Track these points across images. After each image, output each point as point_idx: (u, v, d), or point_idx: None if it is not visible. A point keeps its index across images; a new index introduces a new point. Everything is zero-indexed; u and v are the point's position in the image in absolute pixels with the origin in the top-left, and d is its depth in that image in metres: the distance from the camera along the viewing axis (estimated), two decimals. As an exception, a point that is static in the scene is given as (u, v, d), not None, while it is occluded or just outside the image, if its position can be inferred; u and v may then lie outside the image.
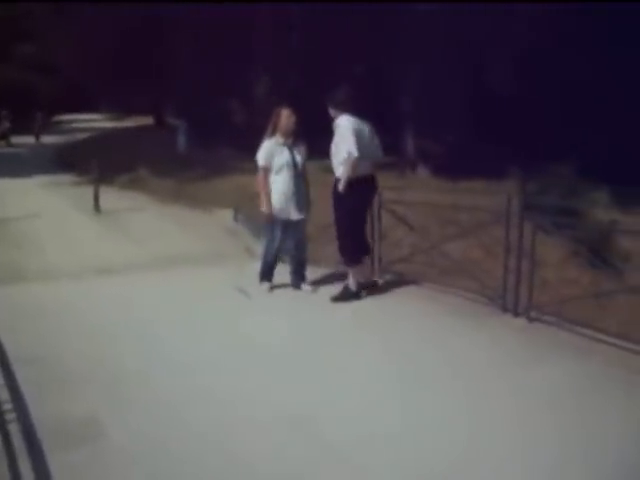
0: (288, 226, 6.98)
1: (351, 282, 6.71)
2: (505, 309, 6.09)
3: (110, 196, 14.05)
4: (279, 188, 6.86)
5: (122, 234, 10.92)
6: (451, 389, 4.66)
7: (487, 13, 15.97)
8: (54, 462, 3.68)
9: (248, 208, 11.45)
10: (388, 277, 7.36)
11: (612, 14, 15.55)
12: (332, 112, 6.55)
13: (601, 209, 12.39)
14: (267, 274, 7.22)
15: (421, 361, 5.17)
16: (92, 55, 29.28)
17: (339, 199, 6.51)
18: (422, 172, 16.76)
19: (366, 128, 6.54)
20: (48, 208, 13.30)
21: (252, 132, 21.37)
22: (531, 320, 5.85)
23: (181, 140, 21.81)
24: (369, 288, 6.88)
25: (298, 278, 7.23)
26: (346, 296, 6.67)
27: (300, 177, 6.95)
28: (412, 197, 8.15)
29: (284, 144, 6.88)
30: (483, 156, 14.04)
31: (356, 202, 6.56)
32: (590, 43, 16.23)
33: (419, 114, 17.35)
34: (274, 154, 6.85)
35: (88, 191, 13.57)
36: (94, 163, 13.84)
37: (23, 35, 35.93)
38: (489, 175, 13.39)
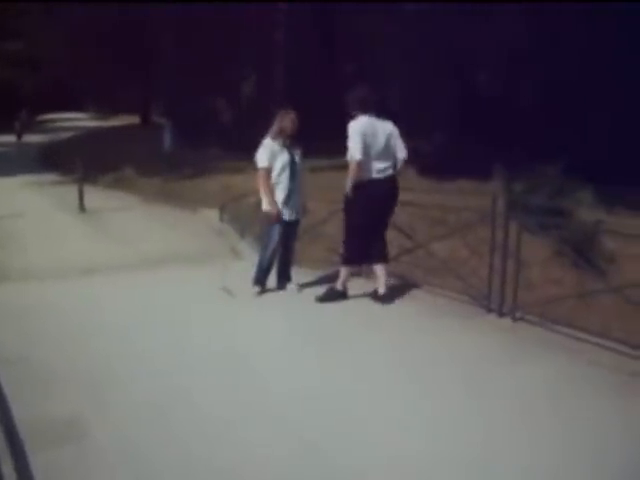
0: (286, 227, 6.95)
1: (339, 281, 6.64)
2: (490, 309, 6.10)
3: (95, 196, 13.98)
4: (280, 189, 6.85)
5: (107, 234, 10.86)
6: (434, 389, 4.66)
7: (475, 13, 16.02)
8: (36, 462, 3.65)
9: (234, 208, 11.44)
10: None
11: (600, 14, 15.65)
12: (351, 112, 6.37)
13: (586, 209, 12.46)
14: (263, 278, 7.14)
15: (404, 361, 5.17)
16: (78, 53, 29.18)
17: (347, 201, 6.44)
18: (409, 172, 16.76)
19: (383, 130, 6.35)
20: (32, 207, 13.21)
21: (238, 131, 21.40)
22: (516, 320, 5.87)
23: (167, 139, 21.74)
24: (372, 297, 6.67)
25: (284, 278, 7.22)
26: (331, 296, 6.61)
27: (298, 178, 6.95)
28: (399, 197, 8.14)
29: (284, 145, 6.85)
30: (470, 156, 14.07)
31: (365, 205, 6.33)
32: (578, 44, 16.31)
33: (405, 114, 17.38)
34: (276, 155, 6.82)
35: (72, 190, 13.48)
36: (79, 162, 13.75)
37: (7, 32, 35.63)
38: (476, 175, 13.43)
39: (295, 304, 6.73)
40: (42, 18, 29.08)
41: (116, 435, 4.03)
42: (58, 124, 42.39)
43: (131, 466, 3.69)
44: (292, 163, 6.87)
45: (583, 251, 11.63)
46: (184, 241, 10.27)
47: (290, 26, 20.81)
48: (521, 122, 16.52)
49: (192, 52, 23.15)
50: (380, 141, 6.27)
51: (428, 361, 5.17)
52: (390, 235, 7.39)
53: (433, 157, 16.36)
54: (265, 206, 6.89)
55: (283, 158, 6.82)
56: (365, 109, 6.28)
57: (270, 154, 6.80)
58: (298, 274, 7.42)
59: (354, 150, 6.09)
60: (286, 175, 6.83)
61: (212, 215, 12.04)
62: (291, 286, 7.16)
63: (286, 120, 6.82)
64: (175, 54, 23.60)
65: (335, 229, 8.07)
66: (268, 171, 6.81)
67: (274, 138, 6.86)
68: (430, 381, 4.79)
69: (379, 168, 6.31)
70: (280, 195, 6.86)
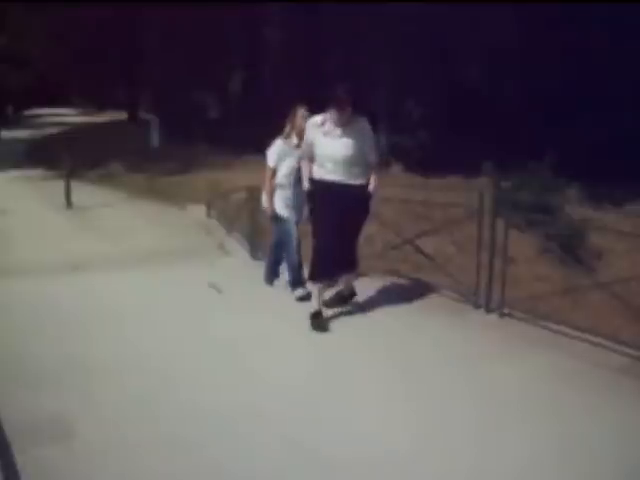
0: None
1: (313, 302, 5.92)
2: (478, 305, 6.10)
3: (81, 191, 13.91)
4: (284, 191, 6.61)
5: (94, 230, 10.82)
6: (422, 384, 4.65)
7: (464, 10, 16.06)
8: (23, 460, 3.61)
9: (221, 204, 11.41)
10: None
11: (586, 15, 15.73)
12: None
13: (573, 206, 12.51)
14: (299, 277, 6.69)
15: (391, 357, 5.15)
16: (66, 49, 29.05)
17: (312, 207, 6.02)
18: (395, 169, 16.79)
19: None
20: (18, 203, 13.13)
21: (226, 128, 21.34)
22: (503, 316, 5.87)
23: (154, 135, 21.66)
24: (348, 297, 6.30)
25: (273, 275, 7.13)
26: (313, 323, 5.77)
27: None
28: (385, 193, 8.13)
29: (296, 146, 6.42)
30: (458, 153, 14.11)
31: (324, 211, 5.73)
32: (566, 43, 16.38)
33: (393, 111, 17.40)
34: (283, 157, 6.53)
35: (59, 186, 13.41)
36: (65, 158, 13.69)
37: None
38: (463, 172, 13.47)
39: (282, 302, 6.62)
40: (26, 13, 28.86)
41: (103, 432, 3.99)
42: (45, 119, 42.14)
43: (118, 462, 3.66)
44: (299, 169, 6.33)
45: (571, 248, 11.72)
46: (171, 237, 10.24)
47: (279, 24, 20.83)
48: (510, 119, 16.59)
49: (179, 48, 23.08)
50: (337, 140, 5.56)
51: (416, 357, 5.16)
52: (374, 230, 7.36)
53: (421, 153, 16.41)
54: (264, 203, 6.79)
55: (290, 162, 6.51)
56: (332, 106, 5.56)
57: (277, 156, 6.56)
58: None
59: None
60: (292, 178, 6.51)
61: (199, 211, 12.02)
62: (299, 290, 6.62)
63: (297, 118, 6.46)
64: (162, 50, 23.53)
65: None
66: (273, 171, 6.59)
67: (286, 138, 6.58)
68: (417, 375, 4.78)
69: (332, 169, 5.64)
70: (284, 196, 6.61)
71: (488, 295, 6.02)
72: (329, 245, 5.68)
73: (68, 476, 3.59)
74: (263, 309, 6.36)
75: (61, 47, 29.44)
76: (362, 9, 17.06)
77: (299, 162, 6.28)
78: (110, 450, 3.80)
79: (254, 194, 8.90)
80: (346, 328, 5.80)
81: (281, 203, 6.67)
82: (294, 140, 6.50)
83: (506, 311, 5.89)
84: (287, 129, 6.60)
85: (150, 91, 30.76)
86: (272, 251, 7.12)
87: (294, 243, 6.66)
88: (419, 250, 7.27)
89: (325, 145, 5.60)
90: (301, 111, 6.48)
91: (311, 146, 5.73)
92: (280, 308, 6.36)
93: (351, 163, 5.62)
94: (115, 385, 4.68)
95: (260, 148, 7.41)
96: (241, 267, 8.45)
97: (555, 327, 5.52)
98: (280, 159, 6.56)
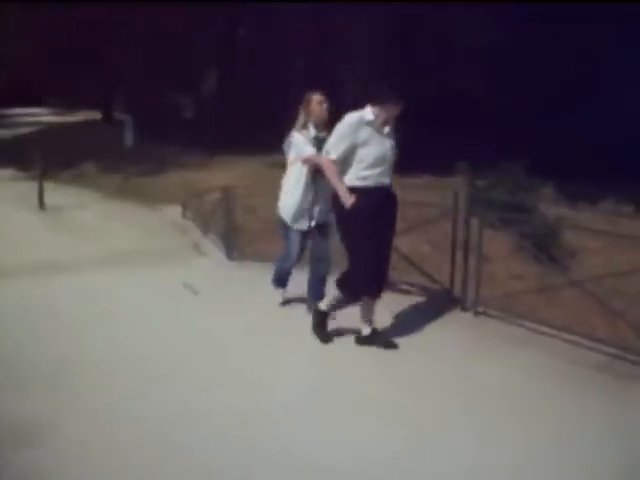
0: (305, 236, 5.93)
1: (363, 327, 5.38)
2: (453, 304, 6.12)
3: (55, 192, 13.78)
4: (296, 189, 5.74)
5: (68, 231, 10.71)
6: (397, 382, 4.65)
7: (440, 9, 16.14)
8: (3, 462, 3.58)
9: (196, 204, 11.36)
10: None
11: (564, 15, 15.87)
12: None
13: (548, 204, 12.61)
14: (278, 281, 6.29)
15: (368, 357, 5.15)
16: (38, 49, 28.74)
17: (339, 217, 5.18)
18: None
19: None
20: (-10, 204, 12.97)
21: (201, 128, 21.24)
22: (478, 314, 5.89)
23: (128, 135, 21.51)
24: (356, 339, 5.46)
25: (315, 295, 5.90)
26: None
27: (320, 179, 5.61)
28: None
29: (317, 137, 5.59)
30: (433, 152, 14.15)
31: (359, 222, 4.97)
32: (542, 43, 16.51)
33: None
34: (301, 151, 5.60)
35: (32, 187, 13.26)
36: (39, 158, 13.54)
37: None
38: (438, 172, 13.51)
39: (258, 305, 6.57)
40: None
41: (83, 433, 3.95)
42: (18, 119, 41.60)
43: (100, 464, 3.62)
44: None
45: (545, 246, 11.79)
46: (146, 238, 10.16)
47: (251, 24, 20.80)
48: (485, 118, 16.68)
49: (153, 48, 22.94)
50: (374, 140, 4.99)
51: (390, 355, 5.16)
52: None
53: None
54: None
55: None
56: (372, 102, 5.04)
57: (302, 146, 5.60)
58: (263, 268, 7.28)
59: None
60: (306, 177, 5.65)
61: (174, 211, 11.96)
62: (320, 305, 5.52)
63: (313, 104, 5.59)
64: (136, 50, 23.37)
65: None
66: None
67: (301, 129, 5.67)
68: (391, 374, 4.78)
69: (375, 173, 5.01)
70: (294, 200, 5.74)
71: (463, 294, 6.05)
72: (376, 258, 5.10)
73: (51, 477, 3.54)
74: (240, 310, 6.32)
75: (33, 47, 29.12)
76: (334, 8, 17.11)
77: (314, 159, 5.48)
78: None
79: (229, 194, 8.88)
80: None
81: (289, 207, 5.77)
82: (312, 131, 5.64)
83: (481, 309, 5.92)
84: (301, 119, 5.69)
85: (124, 91, 30.52)
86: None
87: (293, 254, 5.89)
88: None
89: (377, 145, 4.96)
90: (316, 97, 5.63)
91: (354, 146, 4.94)
92: (258, 309, 6.32)
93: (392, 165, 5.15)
94: (94, 386, 4.63)
95: (234, 148, 7.36)
96: (217, 268, 8.41)
97: (530, 325, 5.57)
98: (299, 153, 5.63)
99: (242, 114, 20.01)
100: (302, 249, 5.93)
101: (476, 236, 5.96)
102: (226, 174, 14.50)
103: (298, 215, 5.75)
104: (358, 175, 4.97)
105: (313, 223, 5.76)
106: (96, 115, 34.96)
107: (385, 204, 5.09)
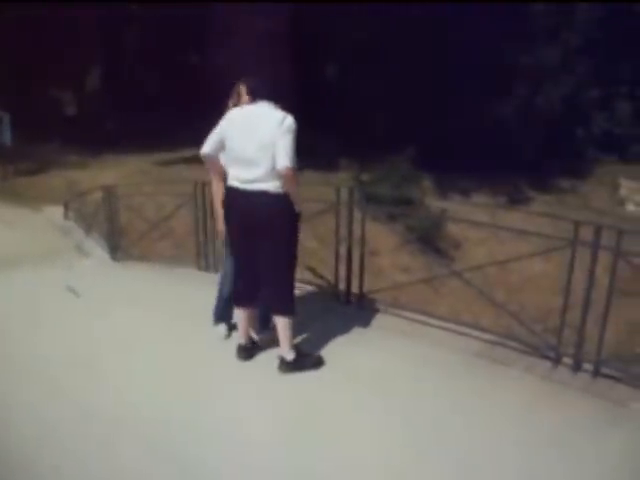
0: None
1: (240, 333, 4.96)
2: (337, 298, 6.17)
3: None
4: None
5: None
6: (264, 369, 4.68)
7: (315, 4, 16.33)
8: None
9: (79, 204, 11.01)
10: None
11: (435, 17, 16.38)
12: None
13: (431, 198, 12.99)
14: (222, 313, 5.35)
15: (261, 354, 5.12)
16: None
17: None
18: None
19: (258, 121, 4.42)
20: None
21: (83, 125, 20.59)
22: (363, 308, 5.97)
23: (6, 133, 20.54)
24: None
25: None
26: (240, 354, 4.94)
27: None
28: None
29: None
30: (318, 149, 14.29)
31: (230, 226, 4.65)
32: (421, 37, 16.94)
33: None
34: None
35: None
36: None
37: None
38: (324, 167, 13.66)
39: (143, 305, 6.43)
40: None
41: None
42: None
43: None
44: None
45: (430, 238, 12.16)
46: (26, 240, 9.74)
47: (137, 21, 20.38)
48: (369, 114, 16.97)
49: (32, 44, 22.07)
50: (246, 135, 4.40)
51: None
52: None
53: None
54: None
55: None
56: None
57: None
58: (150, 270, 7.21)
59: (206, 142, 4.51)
60: None
61: (56, 212, 11.55)
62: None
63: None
64: (12, 46, 22.39)
65: (181, 225, 7.93)
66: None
67: None
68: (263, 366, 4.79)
69: (242, 172, 4.42)
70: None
71: (347, 288, 6.11)
72: (239, 268, 4.77)
73: None
74: (124, 313, 6.16)
75: None
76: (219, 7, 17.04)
77: None
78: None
79: (111, 193, 8.67)
80: (194, 326, 5.70)
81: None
82: None
83: (365, 302, 6.00)
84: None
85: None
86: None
87: (227, 266, 5.14)
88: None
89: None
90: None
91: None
92: (143, 310, 6.18)
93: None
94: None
95: (119, 146, 7.17)
96: (100, 268, 8.18)
97: (414, 316, 5.68)
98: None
99: (128, 111, 19.56)
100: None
101: (359, 230, 6.02)
102: (111, 173, 14.13)
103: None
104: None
105: None
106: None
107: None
